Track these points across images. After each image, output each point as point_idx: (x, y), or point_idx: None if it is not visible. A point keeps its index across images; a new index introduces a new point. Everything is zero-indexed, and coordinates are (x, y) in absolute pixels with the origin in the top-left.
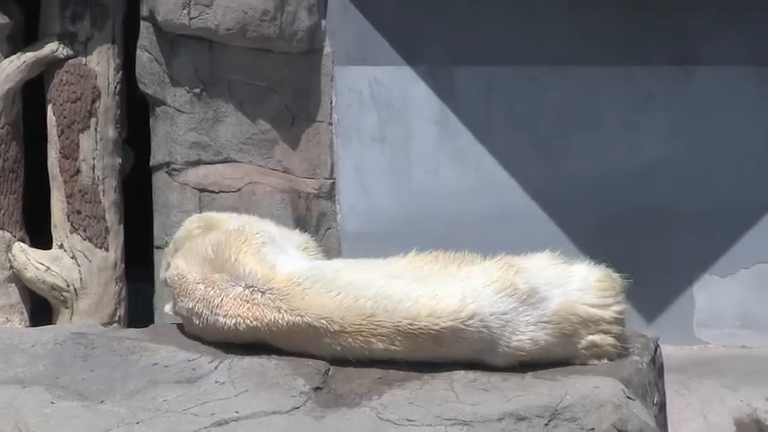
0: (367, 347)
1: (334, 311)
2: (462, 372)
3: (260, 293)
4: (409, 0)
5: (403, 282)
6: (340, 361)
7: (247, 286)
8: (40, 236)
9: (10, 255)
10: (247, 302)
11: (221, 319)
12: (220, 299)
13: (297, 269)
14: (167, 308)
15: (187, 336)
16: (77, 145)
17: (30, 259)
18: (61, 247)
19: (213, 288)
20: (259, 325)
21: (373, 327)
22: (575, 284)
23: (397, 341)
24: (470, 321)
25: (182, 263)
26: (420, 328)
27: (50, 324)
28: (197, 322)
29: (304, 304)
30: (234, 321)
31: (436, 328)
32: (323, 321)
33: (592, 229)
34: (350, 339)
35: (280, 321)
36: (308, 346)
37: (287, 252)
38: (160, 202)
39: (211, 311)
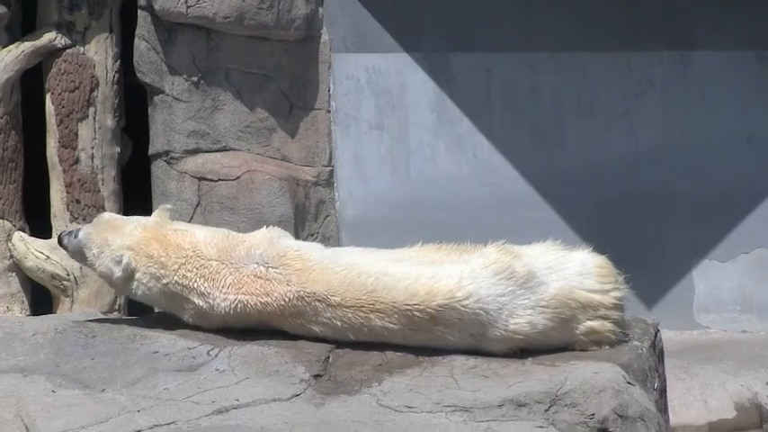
0: (366, 324)
1: (336, 285)
2: (462, 358)
3: (273, 269)
4: None
5: (405, 264)
6: (341, 345)
7: (261, 263)
8: (40, 225)
9: (10, 244)
10: (260, 279)
11: (231, 297)
12: (233, 277)
13: (310, 248)
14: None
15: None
16: (76, 134)
17: (30, 248)
18: None
19: (227, 266)
20: (269, 300)
21: (372, 302)
22: (574, 270)
23: (394, 318)
24: (467, 302)
25: (200, 235)
26: (417, 305)
27: (51, 313)
28: (199, 303)
29: (311, 278)
30: (246, 299)
31: (433, 305)
32: (324, 293)
33: (591, 215)
34: (349, 314)
35: (287, 295)
36: (312, 323)
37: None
38: (159, 190)
39: (220, 290)
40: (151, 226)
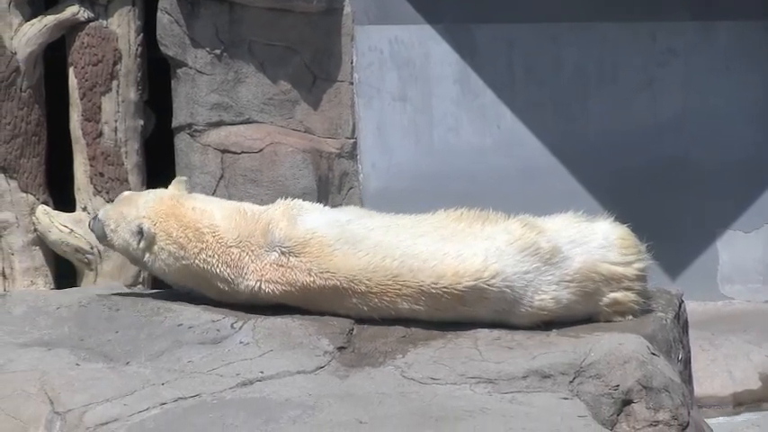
0: (393, 308)
1: (361, 272)
2: (486, 330)
3: (294, 257)
4: None
5: (429, 240)
6: (365, 319)
7: (282, 252)
8: (63, 199)
9: (34, 217)
10: (282, 267)
11: (252, 283)
12: (255, 265)
13: (329, 230)
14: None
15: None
16: (99, 108)
17: (53, 222)
18: (84, 209)
19: (248, 254)
20: (292, 290)
21: (398, 287)
22: (597, 242)
23: (421, 301)
24: (493, 281)
25: (218, 215)
26: (444, 287)
27: (75, 286)
28: (221, 286)
29: (333, 266)
30: (270, 288)
31: (459, 287)
32: (350, 282)
33: (613, 185)
34: (376, 300)
35: (311, 285)
36: (337, 307)
37: (327, 213)
38: (182, 163)
39: (243, 276)
40: (167, 198)
